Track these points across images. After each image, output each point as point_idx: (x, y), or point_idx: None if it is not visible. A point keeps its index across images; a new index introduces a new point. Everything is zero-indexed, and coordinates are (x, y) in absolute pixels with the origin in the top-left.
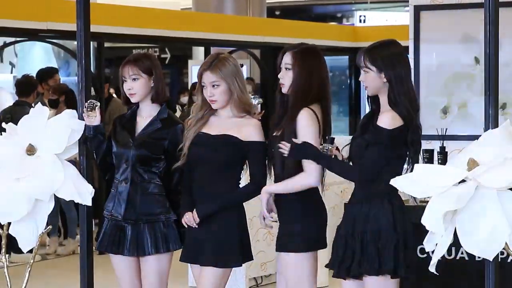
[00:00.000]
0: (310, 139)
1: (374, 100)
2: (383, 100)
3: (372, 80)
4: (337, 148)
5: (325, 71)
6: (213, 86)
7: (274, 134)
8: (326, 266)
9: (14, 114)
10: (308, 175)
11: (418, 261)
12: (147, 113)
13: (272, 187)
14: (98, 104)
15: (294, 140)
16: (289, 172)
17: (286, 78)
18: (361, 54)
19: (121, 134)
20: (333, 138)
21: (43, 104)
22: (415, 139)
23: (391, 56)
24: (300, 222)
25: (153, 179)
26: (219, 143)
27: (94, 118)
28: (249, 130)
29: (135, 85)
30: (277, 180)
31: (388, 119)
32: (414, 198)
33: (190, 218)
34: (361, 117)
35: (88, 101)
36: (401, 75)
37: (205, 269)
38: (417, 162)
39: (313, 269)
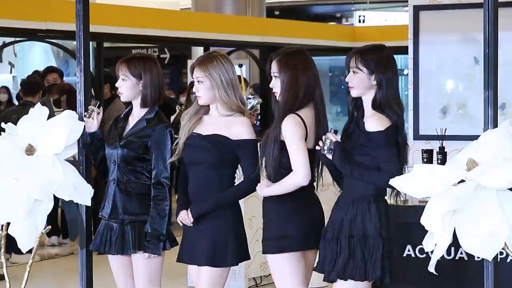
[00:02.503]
0: (294, 145)
1: (355, 105)
2: (367, 103)
3: (361, 81)
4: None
5: (312, 73)
6: (198, 81)
7: (264, 137)
8: (314, 269)
9: (20, 114)
10: (297, 175)
11: (417, 261)
12: (137, 113)
13: (265, 190)
14: (98, 110)
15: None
16: (281, 173)
17: (276, 86)
18: (351, 55)
19: (112, 134)
20: (336, 131)
21: (45, 104)
22: (405, 141)
23: (382, 59)
24: (275, 224)
25: (140, 179)
26: (209, 143)
27: (92, 125)
28: (238, 129)
29: (123, 85)
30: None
31: (375, 122)
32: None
33: (184, 217)
34: None
35: (89, 108)
36: (391, 79)
37: (202, 269)
38: (407, 163)
39: (294, 269)
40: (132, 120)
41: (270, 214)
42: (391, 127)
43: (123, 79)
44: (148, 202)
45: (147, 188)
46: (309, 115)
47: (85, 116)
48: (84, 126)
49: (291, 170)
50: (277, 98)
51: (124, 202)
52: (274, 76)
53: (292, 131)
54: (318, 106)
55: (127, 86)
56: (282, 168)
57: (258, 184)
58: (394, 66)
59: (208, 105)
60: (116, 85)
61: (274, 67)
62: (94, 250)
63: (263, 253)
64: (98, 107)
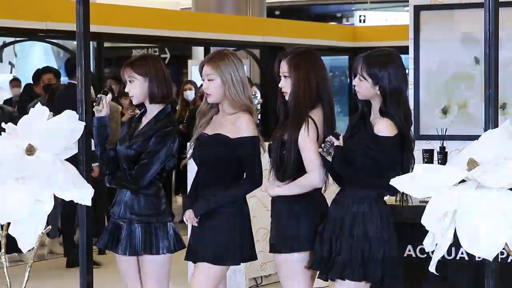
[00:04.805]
0: (309, 147)
1: (365, 103)
2: (375, 106)
3: (365, 90)
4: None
5: (322, 72)
6: (209, 79)
7: (277, 137)
8: (310, 267)
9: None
10: (311, 176)
11: (418, 261)
12: (151, 114)
13: (277, 190)
14: (106, 97)
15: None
16: (289, 173)
17: (287, 86)
18: (359, 61)
19: (124, 134)
20: (339, 134)
21: (42, 104)
22: (411, 150)
23: (389, 70)
24: (284, 224)
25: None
26: (211, 143)
27: (101, 111)
28: (238, 126)
29: (132, 87)
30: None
31: (385, 127)
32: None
33: (190, 216)
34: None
35: (97, 96)
36: (397, 90)
37: (201, 264)
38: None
39: (302, 270)
40: (145, 121)
41: (280, 213)
42: (397, 135)
43: (130, 81)
44: (156, 203)
45: (155, 189)
46: (319, 115)
47: (95, 104)
48: (84, 124)
49: (295, 168)
50: (286, 98)
51: (132, 202)
52: (284, 76)
53: (306, 135)
54: (327, 106)
55: (136, 87)
56: (288, 169)
57: (267, 184)
58: (400, 76)
59: (218, 105)
60: (126, 90)
61: (284, 67)
62: (101, 247)
63: (270, 252)
64: (106, 95)
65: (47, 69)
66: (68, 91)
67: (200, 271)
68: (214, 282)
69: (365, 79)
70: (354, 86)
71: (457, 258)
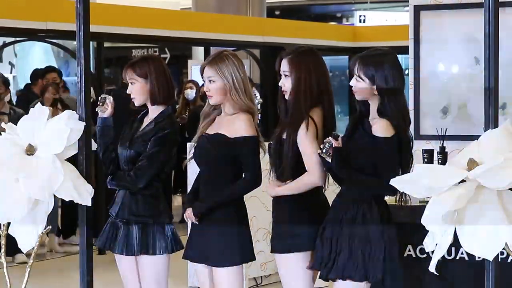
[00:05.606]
0: (307, 146)
1: (363, 103)
2: (373, 106)
3: (362, 90)
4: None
5: (323, 71)
6: (210, 81)
7: (276, 137)
8: (311, 267)
9: None
10: (311, 174)
11: (418, 261)
12: (152, 115)
13: (277, 190)
14: (110, 97)
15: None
16: (288, 172)
17: (287, 85)
18: (356, 61)
19: (125, 135)
20: (338, 135)
21: (43, 103)
22: (409, 150)
23: (385, 69)
24: (285, 223)
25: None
26: (211, 142)
27: (105, 111)
28: (237, 126)
29: (133, 89)
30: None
31: (382, 128)
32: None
33: (190, 215)
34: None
35: (100, 96)
36: (394, 89)
37: (218, 270)
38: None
39: (303, 270)
40: (146, 122)
41: (281, 213)
42: (394, 137)
43: (131, 83)
44: (154, 204)
45: (154, 190)
46: (318, 115)
47: (98, 104)
48: (84, 124)
49: (294, 168)
50: (286, 97)
51: (130, 202)
52: (285, 75)
53: (305, 135)
54: (327, 106)
55: (137, 88)
56: (287, 169)
57: (268, 184)
58: (397, 76)
59: (221, 106)
60: (127, 91)
61: (285, 66)
62: (99, 246)
63: (271, 252)
64: (109, 94)
65: (50, 69)
66: (122, 92)
67: (222, 280)
68: (239, 283)
69: (362, 79)
70: (353, 87)
71: (457, 258)
